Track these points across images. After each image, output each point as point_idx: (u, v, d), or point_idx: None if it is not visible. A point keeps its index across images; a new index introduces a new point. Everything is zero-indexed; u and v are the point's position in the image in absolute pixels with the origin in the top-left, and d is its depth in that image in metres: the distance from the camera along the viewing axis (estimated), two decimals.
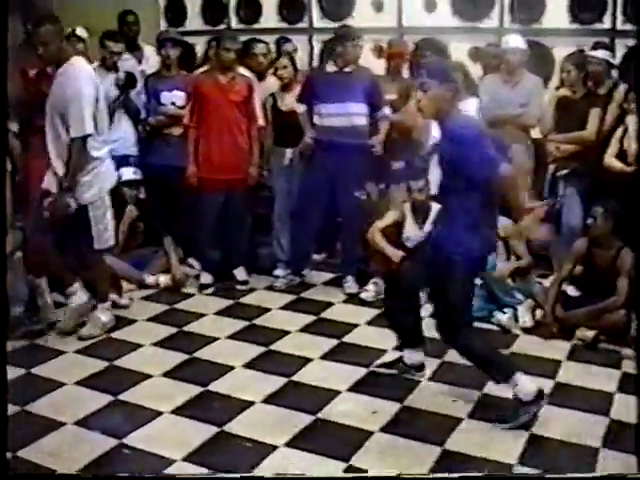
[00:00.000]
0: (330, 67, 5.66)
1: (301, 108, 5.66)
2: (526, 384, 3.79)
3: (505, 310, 5.11)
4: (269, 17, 7.38)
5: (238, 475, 3.42)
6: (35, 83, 4.90)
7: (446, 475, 3.34)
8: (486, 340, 4.32)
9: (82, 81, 4.52)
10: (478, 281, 4.82)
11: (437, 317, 4.02)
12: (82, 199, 4.65)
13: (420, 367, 4.35)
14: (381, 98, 5.67)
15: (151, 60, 6.68)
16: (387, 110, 5.68)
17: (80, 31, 5.89)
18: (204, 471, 3.45)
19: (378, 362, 4.50)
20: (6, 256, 4.18)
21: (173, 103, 5.99)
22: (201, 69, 6.09)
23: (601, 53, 5.58)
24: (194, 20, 7.66)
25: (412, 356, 4.33)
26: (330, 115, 5.53)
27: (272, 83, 6.06)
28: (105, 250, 4.93)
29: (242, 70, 5.89)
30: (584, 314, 4.87)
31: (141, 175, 5.91)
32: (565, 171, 5.55)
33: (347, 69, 5.58)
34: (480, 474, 3.36)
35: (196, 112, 5.67)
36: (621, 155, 5.27)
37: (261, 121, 5.83)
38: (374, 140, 5.61)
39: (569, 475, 3.32)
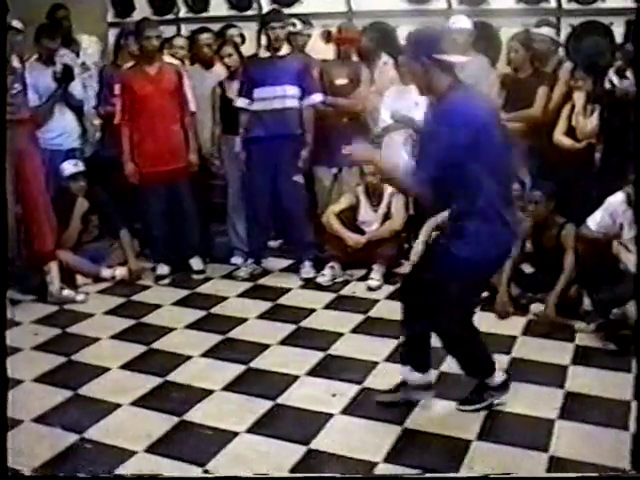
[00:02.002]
0: (263, 53, 5.65)
1: (239, 102, 5.60)
2: (498, 374, 3.75)
3: None
4: (218, 5, 7.32)
5: (236, 475, 3.41)
6: None
7: (446, 475, 3.35)
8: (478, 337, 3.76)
9: None
10: None
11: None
12: None
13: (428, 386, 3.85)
14: (312, 81, 5.66)
15: (90, 50, 6.59)
16: (318, 97, 5.65)
17: (16, 23, 5.70)
18: (166, 461, 3.44)
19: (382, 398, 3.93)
20: (7, 254, 4.08)
21: None
22: (127, 64, 5.90)
23: (545, 30, 5.65)
24: (142, 11, 7.56)
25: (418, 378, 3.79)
26: (264, 99, 5.50)
27: (220, 71, 5.99)
28: None
29: (168, 58, 5.86)
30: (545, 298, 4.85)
31: (83, 166, 5.80)
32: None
33: (280, 53, 5.55)
34: (480, 474, 3.34)
35: (127, 108, 5.57)
36: (570, 132, 5.35)
37: (192, 106, 5.73)
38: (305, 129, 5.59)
39: (569, 475, 3.30)
